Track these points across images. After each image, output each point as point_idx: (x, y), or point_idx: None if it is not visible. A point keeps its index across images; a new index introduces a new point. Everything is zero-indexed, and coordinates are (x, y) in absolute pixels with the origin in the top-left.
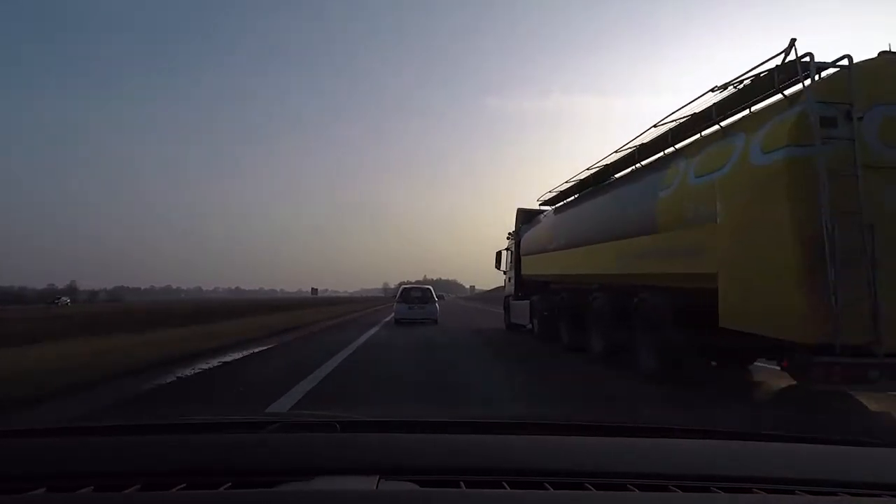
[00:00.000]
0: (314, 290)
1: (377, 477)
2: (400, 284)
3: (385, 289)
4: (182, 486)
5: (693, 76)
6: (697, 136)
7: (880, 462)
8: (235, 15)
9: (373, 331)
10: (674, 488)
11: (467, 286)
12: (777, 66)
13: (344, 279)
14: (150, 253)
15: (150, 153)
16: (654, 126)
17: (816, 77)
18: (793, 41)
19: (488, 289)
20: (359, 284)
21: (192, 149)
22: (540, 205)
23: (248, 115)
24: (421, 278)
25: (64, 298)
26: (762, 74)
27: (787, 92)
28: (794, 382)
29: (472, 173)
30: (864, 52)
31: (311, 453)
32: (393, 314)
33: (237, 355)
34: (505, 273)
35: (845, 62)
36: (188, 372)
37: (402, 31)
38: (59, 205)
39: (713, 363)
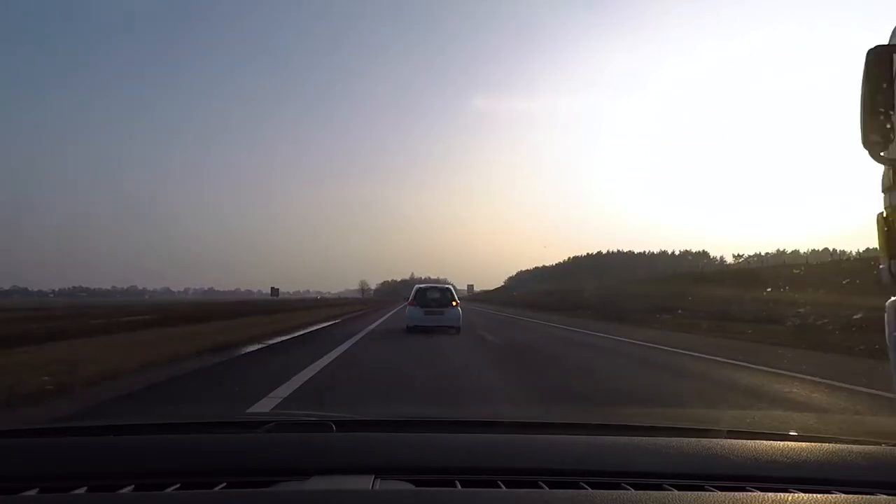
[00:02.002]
0: (274, 291)
1: (373, 476)
2: (383, 284)
3: (363, 289)
4: (176, 486)
5: (688, 78)
6: None
7: (874, 460)
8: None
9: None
10: (669, 487)
11: (460, 286)
12: None
13: (328, 280)
14: (113, 252)
15: (114, 146)
16: None
17: None
18: None
19: (490, 289)
20: (343, 285)
21: (165, 142)
22: None
23: (221, 110)
24: (407, 277)
25: None
26: None
27: None
28: None
29: (459, 171)
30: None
31: (307, 453)
32: (381, 326)
33: None
34: None
35: None
36: None
37: (377, 23)
38: (4, 198)
39: None
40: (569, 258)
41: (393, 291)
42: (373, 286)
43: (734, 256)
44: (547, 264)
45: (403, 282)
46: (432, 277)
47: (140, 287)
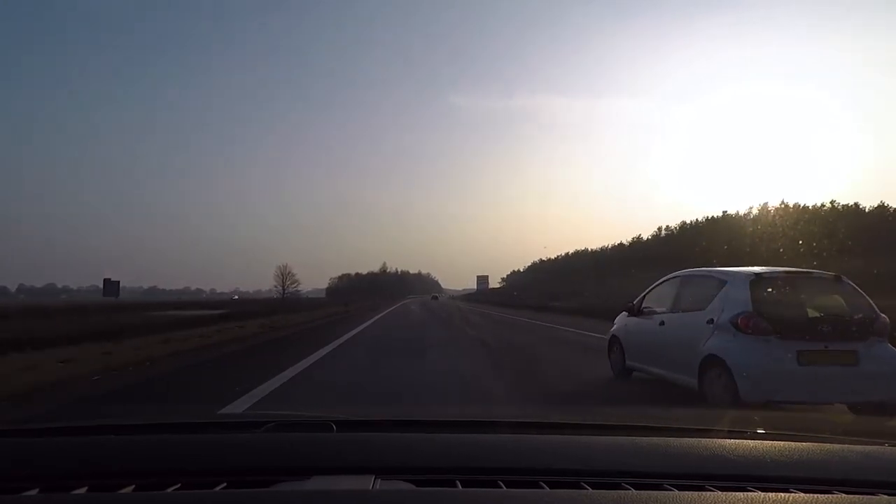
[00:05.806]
0: (109, 284)
1: (373, 476)
2: (341, 279)
3: (284, 282)
4: (177, 486)
5: (668, 78)
6: None
7: (875, 460)
8: None
9: None
10: (669, 487)
11: (447, 285)
12: None
13: (300, 276)
14: (27, 246)
15: (37, 133)
16: None
17: None
18: None
19: (489, 287)
20: (311, 284)
21: (95, 130)
22: None
23: (186, 99)
24: (377, 269)
25: None
26: None
27: None
28: None
29: (444, 168)
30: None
31: (307, 453)
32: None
33: None
34: None
35: None
36: None
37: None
38: None
39: None
40: (634, 239)
41: (356, 289)
42: (315, 284)
43: None
44: (579, 249)
45: (371, 275)
46: (412, 272)
47: (60, 285)
